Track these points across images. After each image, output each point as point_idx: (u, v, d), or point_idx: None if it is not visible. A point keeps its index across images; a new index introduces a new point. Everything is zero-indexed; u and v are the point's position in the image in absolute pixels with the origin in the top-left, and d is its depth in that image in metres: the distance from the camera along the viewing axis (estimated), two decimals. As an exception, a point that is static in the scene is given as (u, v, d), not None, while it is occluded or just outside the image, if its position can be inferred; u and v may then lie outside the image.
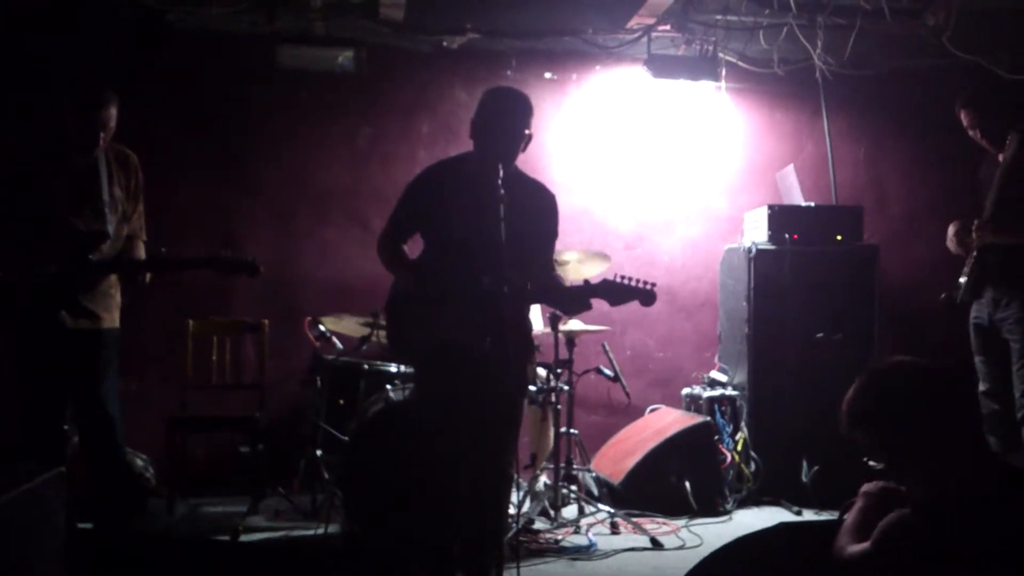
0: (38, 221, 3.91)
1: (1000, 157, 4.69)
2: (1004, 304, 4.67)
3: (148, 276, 4.07)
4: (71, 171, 3.99)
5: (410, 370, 4.80)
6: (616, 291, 3.34)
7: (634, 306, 6.20)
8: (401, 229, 3.59)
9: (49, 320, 3.90)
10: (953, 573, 2.07)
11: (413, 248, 3.64)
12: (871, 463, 2.42)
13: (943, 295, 4.86)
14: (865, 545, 2.24)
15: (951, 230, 4.88)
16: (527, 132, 3.46)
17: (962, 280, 4.78)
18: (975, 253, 4.70)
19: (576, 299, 3.46)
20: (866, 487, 2.46)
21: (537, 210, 3.52)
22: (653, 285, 3.34)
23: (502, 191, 3.25)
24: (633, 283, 3.33)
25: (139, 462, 5.21)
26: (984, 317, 4.78)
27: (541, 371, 4.94)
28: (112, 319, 4.10)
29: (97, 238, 3.99)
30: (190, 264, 4.18)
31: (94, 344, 4.02)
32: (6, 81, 5.57)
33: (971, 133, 4.83)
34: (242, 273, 4.05)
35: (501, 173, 3.29)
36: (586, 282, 3.41)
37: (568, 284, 3.74)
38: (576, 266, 5.23)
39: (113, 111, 3.97)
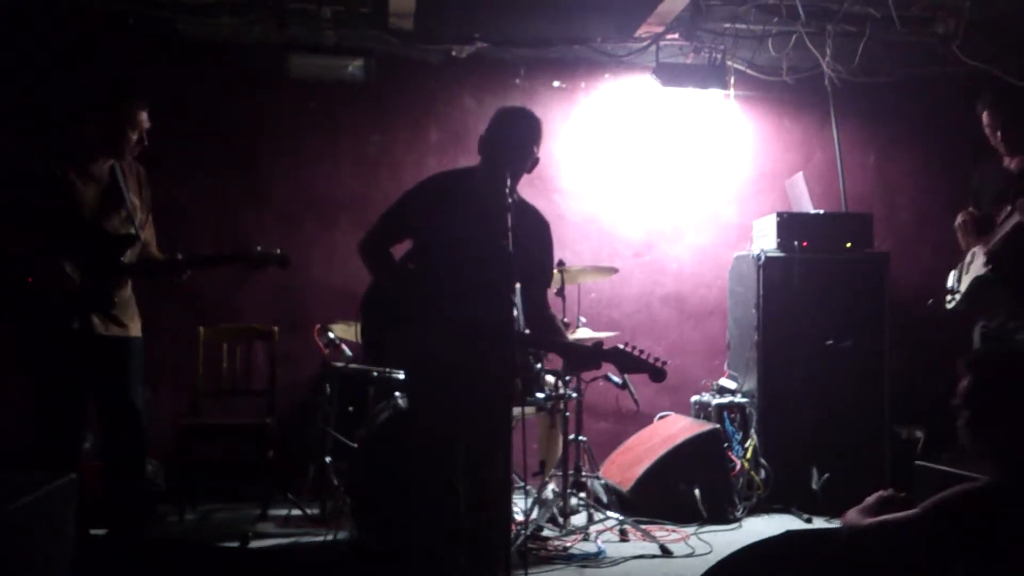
0: (69, 227, 3.97)
1: (1008, 162, 4.63)
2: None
3: (188, 274, 4.19)
4: (96, 178, 4.08)
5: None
6: (627, 360, 3.32)
7: (644, 312, 6.34)
8: (392, 233, 3.59)
9: (79, 325, 3.96)
10: (993, 557, 2.05)
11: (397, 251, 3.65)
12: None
13: (930, 301, 4.81)
14: (906, 512, 2.20)
15: (960, 218, 4.78)
16: (535, 153, 3.47)
17: (952, 284, 4.71)
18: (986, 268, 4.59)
19: (585, 357, 3.44)
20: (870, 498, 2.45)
21: (533, 233, 3.54)
22: (665, 363, 3.31)
23: (510, 200, 3.26)
24: (645, 356, 3.31)
25: (149, 468, 5.22)
26: (993, 326, 4.67)
27: (550, 378, 4.94)
28: (137, 328, 4.21)
29: (127, 241, 4.10)
30: (225, 260, 4.35)
31: (124, 352, 4.12)
32: (22, 92, 5.62)
33: (990, 135, 4.66)
34: (273, 265, 4.24)
35: (509, 182, 3.31)
36: (599, 344, 3.41)
37: (560, 324, 3.76)
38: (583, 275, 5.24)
39: (145, 115, 4.10)
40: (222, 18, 5.52)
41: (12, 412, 4.60)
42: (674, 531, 4.97)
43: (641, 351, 3.32)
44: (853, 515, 2.38)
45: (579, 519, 4.99)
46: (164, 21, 5.56)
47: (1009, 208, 4.49)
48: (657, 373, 3.29)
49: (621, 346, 3.34)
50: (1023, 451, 2.20)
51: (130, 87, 4.44)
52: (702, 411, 5.85)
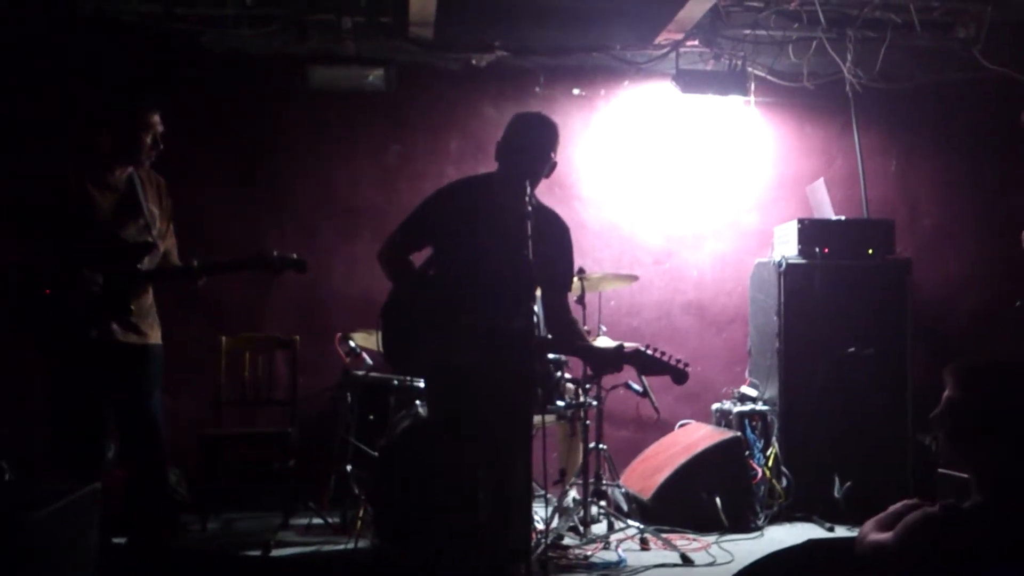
0: (86, 234, 3.96)
1: None
2: None
3: (203, 280, 4.15)
4: (113, 187, 4.07)
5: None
6: (649, 362, 3.34)
7: (665, 320, 6.32)
8: (412, 240, 3.61)
9: (99, 332, 3.95)
10: None
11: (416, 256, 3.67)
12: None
13: (1018, 302, 4.71)
14: (887, 535, 2.22)
15: None
16: (552, 158, 3.47)
17: None
18: None
19: (608, 361, 3.46)
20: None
21: (553, 238, 3.54)
22: (687, 364, 3.32)
23: (529, 208, 3.26)
24: (666, 358, 3.32)
25: (172, 477, 5.25)
26: None
27: (570, 386, 4.93)
28: (157, 336, 4.17)
29: (144, 249, 4.07)
30: (241, 266, 4.28)
31: (142, 359, 4.08)
32: (39, 103, 5.68)
33: None
34: (291, 270, 4.16)
35: (528, 190, 3.31)
36: (620, 347, 3.42)
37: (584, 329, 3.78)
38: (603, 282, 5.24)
39: (157, 118, 4.07)
40: (243, 30, 5.58)
41: (34, 421, 4.63)
42: (695, 540, 4.94)
43: (663, 353, 3.33)
44: (867, 527, 2.37)
45: (599, 528, 4.97)
46: (186, 33, 5.60)
47: None
48: (679, 375, 3.30)
49: (643, 348, 3.34)
50: (1002, 472, 2.15)
51: (140, 92, 4.44)
52: (723, 419, 5.83)
